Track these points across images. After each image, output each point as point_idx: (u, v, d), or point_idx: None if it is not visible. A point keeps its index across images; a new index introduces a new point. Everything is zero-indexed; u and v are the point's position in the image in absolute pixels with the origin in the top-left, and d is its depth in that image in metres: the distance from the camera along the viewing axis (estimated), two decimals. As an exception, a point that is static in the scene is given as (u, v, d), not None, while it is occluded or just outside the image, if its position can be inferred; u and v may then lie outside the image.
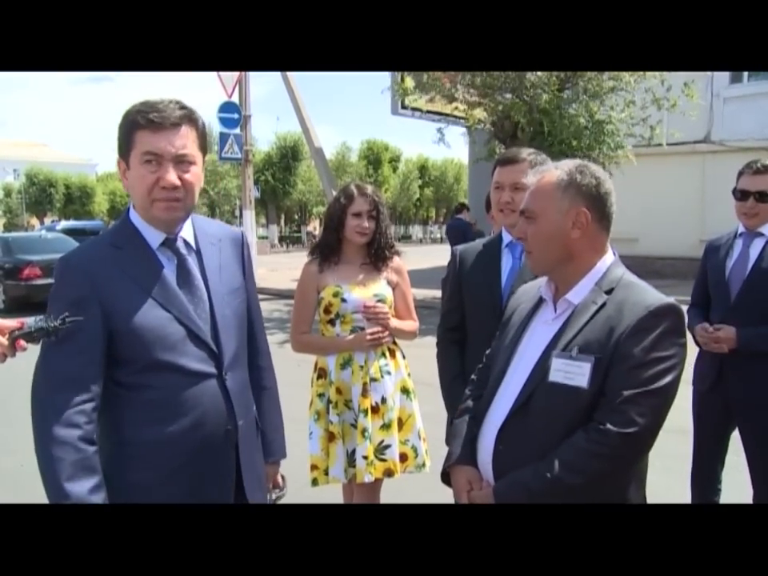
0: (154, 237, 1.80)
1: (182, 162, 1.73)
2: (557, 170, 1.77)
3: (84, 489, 1.58)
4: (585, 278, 1.75)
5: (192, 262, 1.85)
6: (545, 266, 1.81)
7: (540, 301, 1.89)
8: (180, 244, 1.84)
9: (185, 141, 1.74)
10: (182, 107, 1.75)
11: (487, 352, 2.07)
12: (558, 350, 1.70)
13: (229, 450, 1.87)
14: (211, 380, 1.81)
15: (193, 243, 1.88)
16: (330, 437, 2.97)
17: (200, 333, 1.79)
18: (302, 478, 3.04)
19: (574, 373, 1.65)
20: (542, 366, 1.73)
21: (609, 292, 1.71)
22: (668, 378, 1.61)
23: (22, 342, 1.55)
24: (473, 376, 2.11)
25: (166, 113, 1.71)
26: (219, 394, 1.83)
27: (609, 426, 1.58)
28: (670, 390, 1.63)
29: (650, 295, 1.68)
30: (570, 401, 1.65)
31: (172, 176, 1.72)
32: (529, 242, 1.80)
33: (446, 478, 1.92)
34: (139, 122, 1.70)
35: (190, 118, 1.75)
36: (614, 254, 1.82)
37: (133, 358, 1.73)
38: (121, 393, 1.74)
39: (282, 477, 2.24)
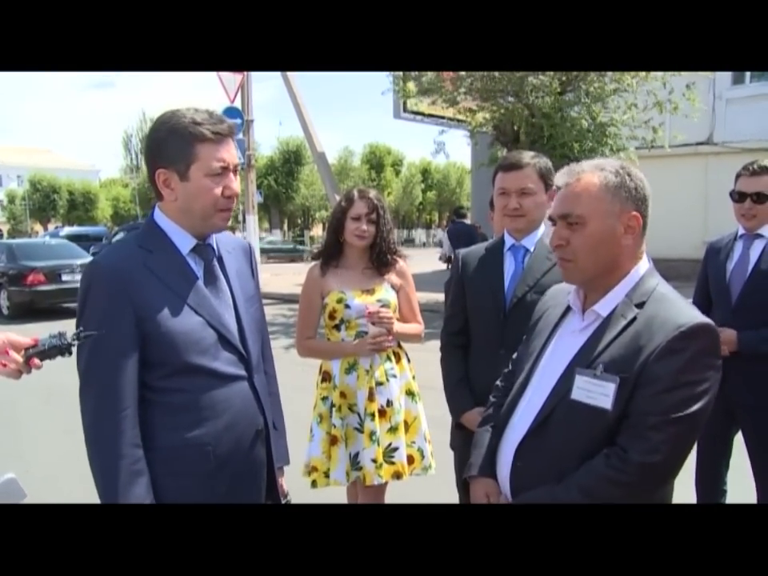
0: (184, 242, 1.82)
1: (235, 171, 1.81)
2: (599, 171, 1.63)
3: (138, 493, 1.66)
4: (616, 288, 1.64)
5: (217, 268, 1.89)
6: (587, 276, 1.66)
7: (569, 307, 1.79)
8: (209, 250, 1.87)
9: (235, 151, 1.82)
10: (224, 119, 1.80)
11: (514, 356, 1.99)
12: (582, 367, 1.60)
13: (260, 449, 1.92)
14: (242, 382, 1.86)
15: (216, 250, 1.91)
16: (333, 440, 2.98)
17: (230, 337, 1.83)
18: (302, 481, 3.04)
19: (597, 392, 1.55)
20: (564, 382, 1.64)
21: (640, 305, 1.60)
22: (698, 405, 1.49)
23: (36, 360, 1.54)
24: (497, 382, 2.05)
25: (222, 125, 1.77)
26: (250, 395, 1.88)
27: (631, 453, 1.49)
28: (700, 418, 1.51)
29: (683, 313, 1.55)
30: (591, 421, 1.56)
31: (236, 185, 1.81)
32: (572, 249, 1.64)
33: (467, 487, 1.88)
34: (204, 135, 1.72)
35: (233, 128, 1.82)
36: (649, 261, 1.71)
37: (164, 361, 1.74)
38: (150, 397, 1.74)
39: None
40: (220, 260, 1.91)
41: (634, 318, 1.58)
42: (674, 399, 1.48)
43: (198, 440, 1.76)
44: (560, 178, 1.70)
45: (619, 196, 1.61)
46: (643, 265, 1.67)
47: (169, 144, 1.74)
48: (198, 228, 1.82)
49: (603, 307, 1.65)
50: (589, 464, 1.55)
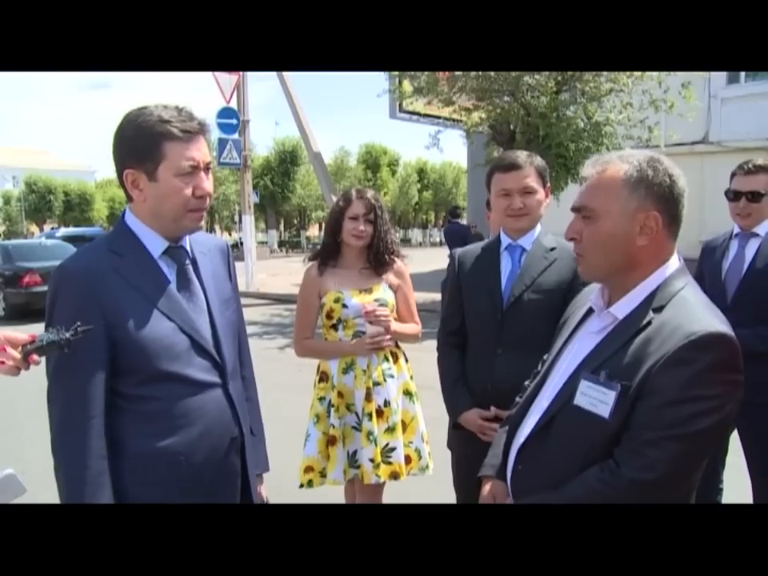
0: (156, 245, 1.76)
1: (207, 169, 1.75)
2: (624, 163, 1.52)
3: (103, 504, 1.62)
4: (636, 290, 1.53)
5: (191, 270, 1.83)
6: (600, 273, 1.59)
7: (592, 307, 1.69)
8: (182, 253, 1.82)
9: (206, 148, 1.75)
10: (194, 115, 1.74)
11: (545, 357, 1.89)
12: (588, 371, 1.52)
13: (235, 457, 1.87)
14: (216, 389, 1.81)
15: (189, 252, 1.85)
16: (331, 440, 2.97)
17: (203, 342, 1.77)
18: (298, 481, 3.04)
19: (598, 399, 1.47)
20: (570, 386, 1.56)
21: (658, 309, 1.48)
22: (705, 422, 1.36)
23: (35, 357, 1.52)
24: (526, 382, 1.98)
25: (192, 122, 1.70)
26: (224, 402, 1.82)
27: (623, 468, 1.41)
28: (707, 436, 1.39)
29: (699, 320, 1.42)
30: (591, 430, 1.48)
31: (208, 184, 1.74)
32: (583, 244, 1.57)
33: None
34: (171, 133, 1.66)
35: (204, 125, 1.76)
36: (680, 260, 1.57)
37: (135, 368, 1.69)
38: (122, 404, 1.70)
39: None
40: (194, 262, 1.85)
41: (649, 323, 1.47)
42: (678, 414, 1.37)
43: (171, 449, 1.71)
44: (586, 169, 1.61)
45: (638, 192, 1.49)
46: (672, 265, 1.55)
47: (136, 143, 1.68)
48: (169, 230, 1.76)
49: (620, 309, 1.55)
50: (582, 475, 1.48)
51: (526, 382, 1.97)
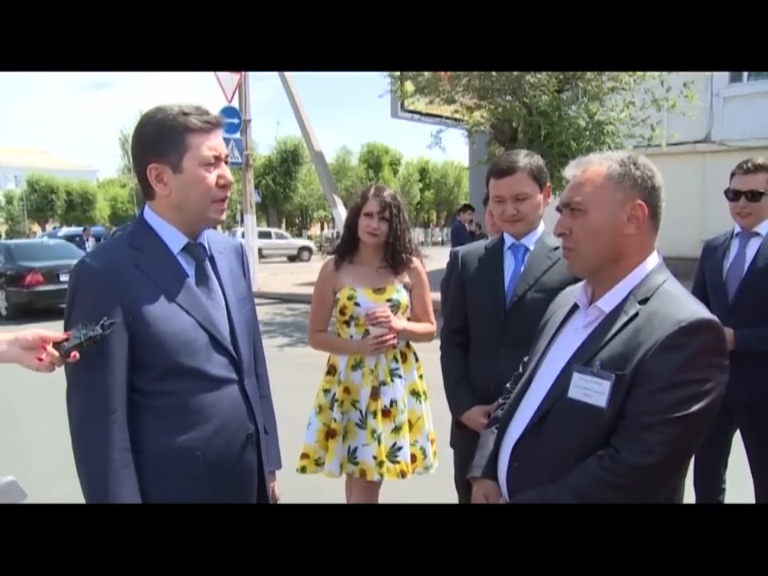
0: (175, 241, 1.77)
1: (226, 161, 1.80)
2: (606, 161, 1.62)
3: (126, 499, 1.63)
4: (620, 284, 1.60)
5: (209, 267, 1.85)
6: (590, 265, 1.63)
7: (575, 305, 1.75)
8: (200, 249, 1.83)
9: (223, 142, 1.80)
10: (209, 111, 1.78)
11: (525, 359, 1.94)
12: (580, 364, 1.57)
13: (250, 453, 1.88)
14: (232, 385, 1.82)
15: (207, 249, 1.87)
16: (330, 433, 3.01)
17: (221, 339, 1.79)
18: (303, 482, 3.04)
19: (593, 390, 1.51)
20: (562, 380, 1.61)
21: (644, 302, 1.55)
22: (698, 405, 1.42)
23: (76, 353, 1.56)
24: (508, 384, 2.02)
25: (210, 115, 1.75)
26: (240, 399, 1.84)
27: (623, 454, 1.45)
28: (701, 419, 1.44)
29: (685, 308, 1.49)
30: (587, 420, 1.52)
31: (229, 174, 1.79)
32: (574, 237, 1.62)
33: (467, 486, 1.87)
34: (195, 124, 1.70)
35: (221, 119, 1.80)
36: (659, 256, 1.66)
37: (153, 363, 1.70)
38: (138, 400, 1.71)
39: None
40: (212, 260, 1.87)
41: (636, 314, 1.53)
42: (672, 398, 1.42)
43: (187, 444, 1.72)
44: (568, 171, 1.69)
45: (623, 185, 1.58)
46: (652, 260, 1.63)
47: (159, 137, 1.70)
48: (192, 223, 1.78)
49: (606, 303, 1.61)
50: (582, 465, 1.51)
51: (508, 384, 2.01)
